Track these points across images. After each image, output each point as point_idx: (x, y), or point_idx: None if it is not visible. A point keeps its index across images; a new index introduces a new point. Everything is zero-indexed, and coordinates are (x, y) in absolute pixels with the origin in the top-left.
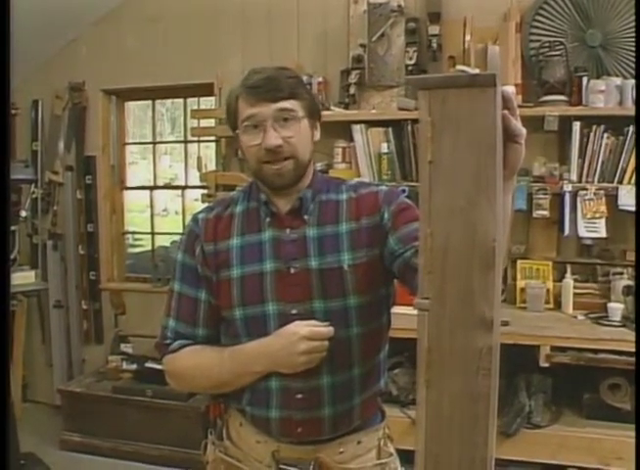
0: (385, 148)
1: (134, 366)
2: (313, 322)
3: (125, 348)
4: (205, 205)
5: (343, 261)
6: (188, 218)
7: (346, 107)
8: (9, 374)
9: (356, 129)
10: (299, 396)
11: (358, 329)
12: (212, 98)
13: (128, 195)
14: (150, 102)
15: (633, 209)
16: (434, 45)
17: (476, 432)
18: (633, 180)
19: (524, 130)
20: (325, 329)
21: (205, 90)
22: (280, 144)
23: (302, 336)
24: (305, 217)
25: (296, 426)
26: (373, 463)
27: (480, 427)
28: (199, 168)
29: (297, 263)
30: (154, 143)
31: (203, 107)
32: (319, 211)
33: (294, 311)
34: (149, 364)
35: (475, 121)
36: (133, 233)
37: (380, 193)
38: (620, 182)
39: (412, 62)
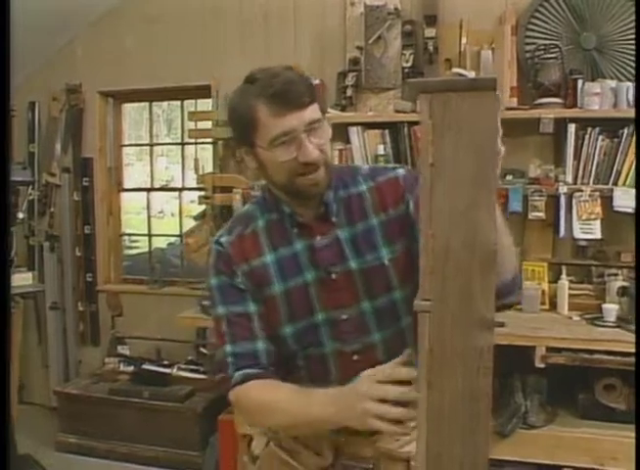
0: (381, 150)
1: (131, 368)
2: (389, 365)
3: (122, 349)
4: (203, 207)
5: (383, 257)
6: (185, 220)
7: (343, 109)
8: (9, 374)
9: (353, 131)
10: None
11: (407, 320)
12: (209, 100)
13: (125, 197)
14: (146, 104)
15: (628, 210)
16: (431, 48)
17: (477, 430)
18: (628, 182)
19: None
20: (403, 370)
21: (203, 92)
22: (318, 156)
23: (371, 396)
24: (333, 220)
25: None
26: None
27: (482, 425)
28: (196, 170)
29: (336, 268)
30: (150, 145)
31: (200, 109)
32: (345, 209)
33: (344, 317)
34: (146, 366)
35: (475, 125)
36: (130, 235)
37: (400, 179)
38: (615, 184)
39: (408, 64)
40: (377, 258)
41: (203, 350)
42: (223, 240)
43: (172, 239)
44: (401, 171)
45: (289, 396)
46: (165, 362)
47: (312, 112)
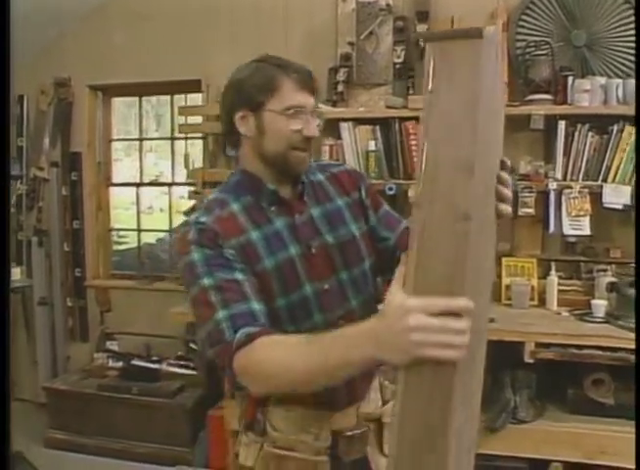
0: (372, 146)
1: (120, 364)
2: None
3: (111, 345)
4: (193, 201)
5: (354, 232)
6: (174, 215)
7: (334, 104)
8: (9, 374)
9: (344, 127)
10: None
11: (373, 288)
12: (199, 95)
13: (114, 192)
14: (135, 98)
15: (617, 207)
16: (422, 44)
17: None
18: (617, 178)
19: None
20: (438, 302)
21: (193, 87)
22: (317, 135)
23: (410, 308)
24: (305, 199)
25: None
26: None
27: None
28: (186, 166)
29: (315, 242)
30: (140, 139)
31: (189, 104)
32: (312, 191)
33: (326, 287)
34: (135, 362)
35: (464, 64)
36: (119, 230)
37: (350, 172)
38: (605, 180)
39: (400, 60)
40: (348, 233)
41: (192, 345)
42: (204, 219)
43: (161, 234)
44: (348, 167)
45: (303, 347)
46: (155, 358)
47: (314, 100)
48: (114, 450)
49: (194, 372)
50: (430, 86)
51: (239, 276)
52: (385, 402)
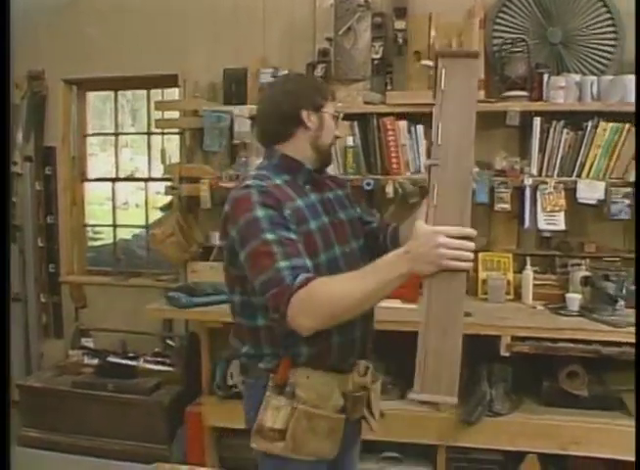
0: (350, 141)
1: (95, 361)
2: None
3: (86, 342)
4: (168, 199)
5: (354, 213)
6: (151, 211)
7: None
8: (9, 373)
9: None
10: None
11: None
12: (176, 89)
13: (89, 187)
14: (111, 93)
15: (591, 202)
16: (400, 40)
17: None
18: (591, 174)
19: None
20: (456, 229)
21: (170, 81)
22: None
23: (437, 232)
24: (327, 182)
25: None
26: None
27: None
28: (163, 161)
29: (335, 217)
30: (115, 134)
31: (166, 98)
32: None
33: (347, 250)
34: (111, 359)
35: (465, 75)
36: (94, 226)
37: (333, 176)
38: (579, 176)
39: (378, 56)
40: (351, 214)
41: (169, 342)
42: (261, 183)
43: (137, 230)
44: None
45: (353, 278)
46: (131, 355)
47: None
48: (90, 448)
49: (171, 369)
50: (442, 86)
51: (293, 236)
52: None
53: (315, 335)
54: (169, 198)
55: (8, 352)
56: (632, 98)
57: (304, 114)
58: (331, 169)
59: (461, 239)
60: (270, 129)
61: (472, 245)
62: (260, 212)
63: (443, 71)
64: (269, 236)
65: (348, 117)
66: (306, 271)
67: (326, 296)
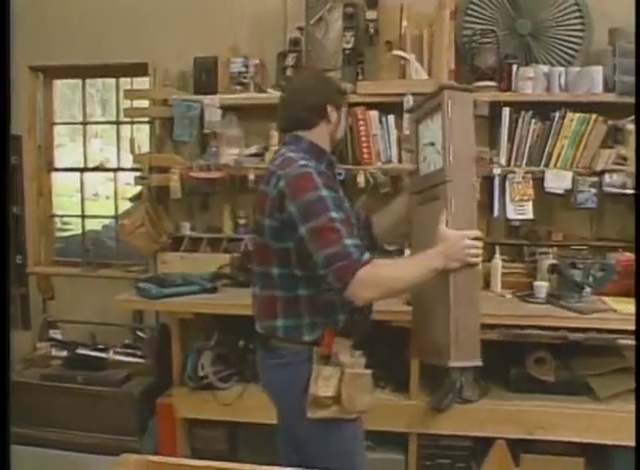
0: None
1: (64, 353)
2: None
3: (54, 334)
4: (139, 188)
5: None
6: (120, 202)
7: (283, 90)
8: (8, 374)
9: None
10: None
11: None
12: (146, 78)
13: (57, 178)
14: (79, 81)
15: (558, 191)
16: (372, 30)
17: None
18: (559, 164)
19: None
20: (474, 232)
21: (140, 70)
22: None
23: (464, 235)
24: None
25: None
26: None
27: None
28: (132, 151)
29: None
30: (84, 123)
31: (136, 87)
32: None
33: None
34: (80, 350)
35: (464, 104)
36: (62, 216)
37: None
38: (547, 166)
39: (349, 46)
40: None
41: (140, 333)
42: (314, 165)
43: (107, 221)
44: None
45: (404, 265)
46: (101, 347)
47: None
48: (60, 442)
49: (141, 360)
50: (449, 113)
51: (350, 219)
52: None
53: (347, 308)
54: (139, 188)
55: (8, 352)
56: (599, 89)
57: (329, 108)
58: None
59: (474, 240)
60: (296, 116)
61: (481, 244)
62: (325, 193)
63: (449, 102)
64: (334, 215)
65: None
66: (363, 249)
67: (386, 275)
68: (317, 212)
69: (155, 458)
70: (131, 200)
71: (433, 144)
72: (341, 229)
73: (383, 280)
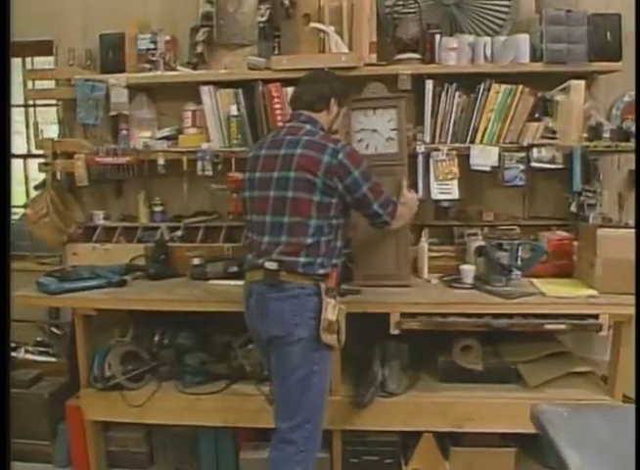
0: (234, 110)
1: None
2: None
3: None
4: (43, 175)
5: None
6: (32, 191)
7: (195, 67)
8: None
9: (204, 91)
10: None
11: None
12: (51, 58)
13: None
14: None
15: (485, 168)
16: (287, 2)
17: None
18: (485, 140)
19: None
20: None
21: (43, 49)
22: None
23: (414, 197)
24: None
25: None
26: None
27: None
28: (35, 135)
29: None
30: None
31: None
32: None
33: None
34: None
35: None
36: None
37: None
38: (472, 142)
39: (264, 19)
40: None
41: (55, 330)
42: None
43: (19, 210)
44: None
45: (401, 208)
46: (11, 345)
47: None
48: None
49: (54, 359)
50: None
51: None
52: None
53: (342, 252)
54: (43, 176)
55: (8, 352)
56: (525, 58)
57: (332, 101)
58: (216, 141)
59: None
60: (307, 99)
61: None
62: (366, 164)
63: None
64: (375, 179)
65: (232, 84)
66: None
67: (402, 212)
68: (370, 176)
69: None
70: (36, 188)
71: (375, 130)
72: (381, 187)
73: (404, 216)
